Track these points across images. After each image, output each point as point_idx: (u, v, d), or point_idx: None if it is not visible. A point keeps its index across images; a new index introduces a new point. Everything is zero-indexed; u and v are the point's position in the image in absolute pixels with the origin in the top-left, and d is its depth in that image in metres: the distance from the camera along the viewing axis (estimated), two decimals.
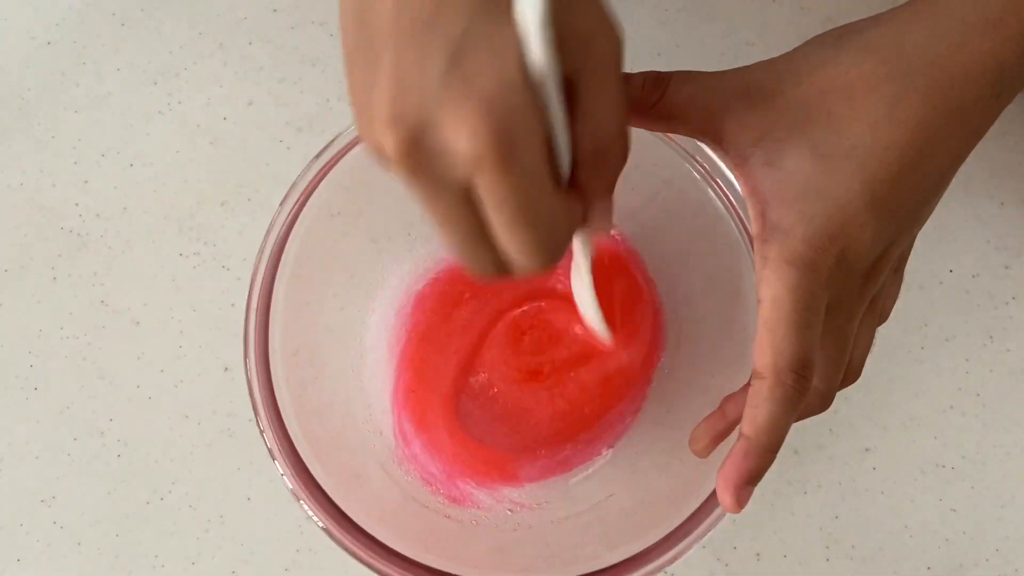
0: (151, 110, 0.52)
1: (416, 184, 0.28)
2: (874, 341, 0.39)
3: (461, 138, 0.26)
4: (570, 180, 0.30)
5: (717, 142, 0.35)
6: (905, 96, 0.33)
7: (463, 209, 0.28)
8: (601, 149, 0.29)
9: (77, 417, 0.49)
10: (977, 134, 0.35)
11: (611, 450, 0.47)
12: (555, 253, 0.29)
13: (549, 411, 0.47)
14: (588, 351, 0.48)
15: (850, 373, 0.38)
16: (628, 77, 0.35)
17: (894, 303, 0.40)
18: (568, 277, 0.47)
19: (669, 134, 0.43)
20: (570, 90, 0.28)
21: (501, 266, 0.30)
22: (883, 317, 0.40)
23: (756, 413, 0.33)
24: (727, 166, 0.37)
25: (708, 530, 0.40)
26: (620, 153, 0.30)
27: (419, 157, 0.27)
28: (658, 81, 0.35)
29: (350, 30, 0.29)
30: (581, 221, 0.31)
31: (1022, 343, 0.50)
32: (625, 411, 0.47)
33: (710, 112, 0.34)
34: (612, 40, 0.28)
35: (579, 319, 0.48)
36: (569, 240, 0.30)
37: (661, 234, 0.48)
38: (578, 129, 0.29)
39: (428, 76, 0.26)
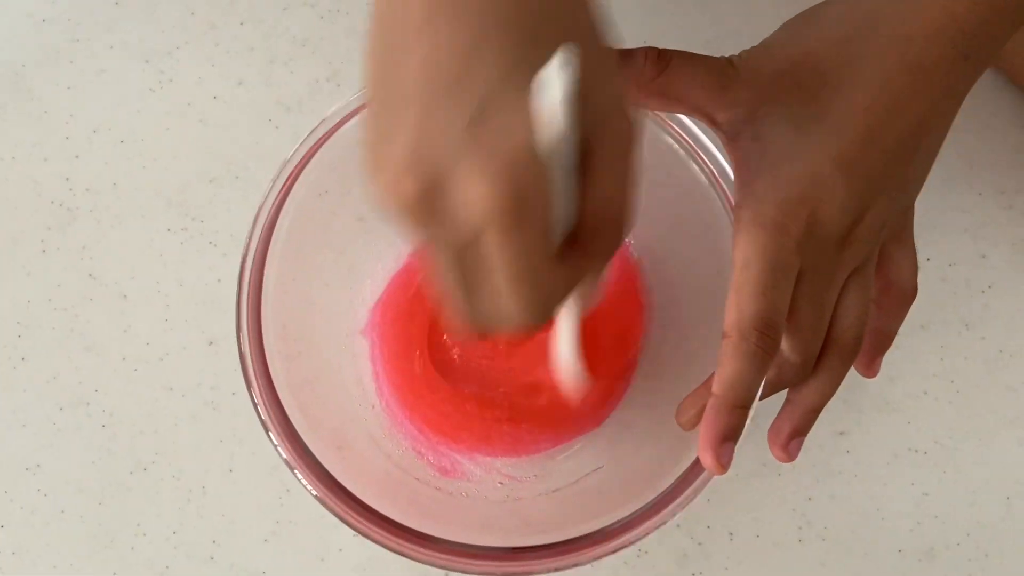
0: (143, 88, 0.53)
1: (425, 233, 0.28)
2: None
3: (476, 194, 0.27)
4: (568, 244, 0.30)
5: (712, 121, 0.37)
6: (862, 56, 0.34)
7: (466, 262, 0.29)
8: (604, 219, 0.30)
9: (63, 387, 0.49)
10: (949, 96, 0.35)
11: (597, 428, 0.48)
12: (547, 315, 0.30)
13: (527, 386, 0.47)
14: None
15: (844, 346, 0.38)
16: (628, 52, 0.36)
17: (914, 274, 0.41)
18: None
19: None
20: (583, 159, 0.29)
21: (490, 321, 0.31)
22: (907, 292, 0.41)
23: (723, 371, 0.35)
24: (721, 144, 0.38)
25: (688, 501, 0.40)
26: (621, 227, 0.30)
27: (432, 207, 0.27)
28: (659, 58, 0.36)
29: (375, 81, 0.29)
30: (575, 285, 0.31)
31: (997, 331, 0.51)
32: (608, 395, 0.48)
33: (706, 93, 0.36)
34: (629, 122, 0.29)
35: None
36: (562, 303, 0.31)
37: (644, 215, 0.49)
38: (587, 195, 0.29)
39: (451, 131, 0.27)
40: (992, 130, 0.53)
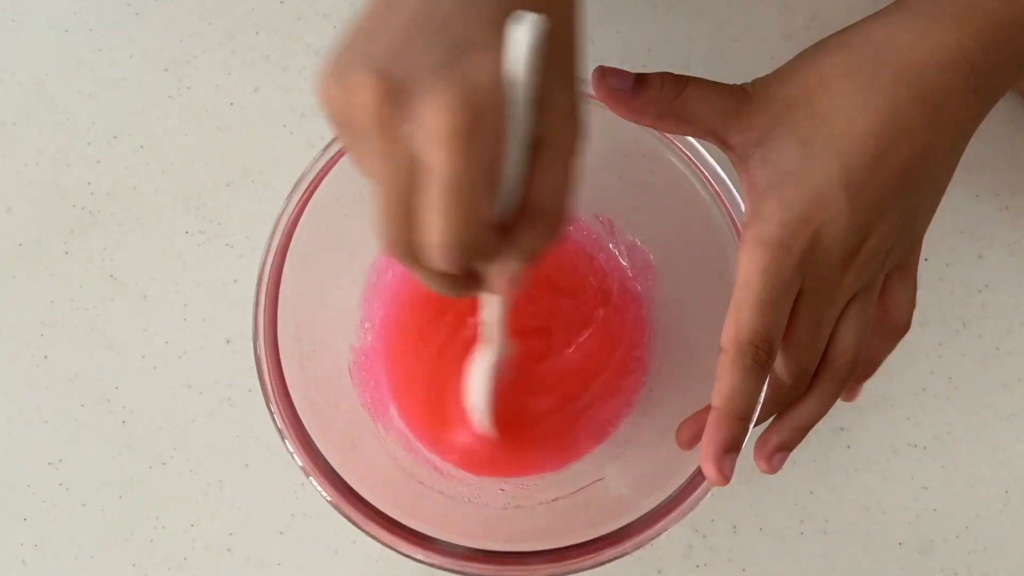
0: (162, 95, 0.55)
1: (376, 138, 0.29)
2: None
3: (434, 110, 0.28)
4: (506, 225, 0.31)
5: (725, 144, 0.38)
6: (875, 83, 0.35)
7: (405, 178, 0.29)
8: (543, 210, 0.31)
9: (85, 385, 0.51)
10: (957, 127, 0.36)
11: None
12: (465, 257, 0.30)
13: (537, 409, 0.49)
14: (580, 351, 0.49)
15: (838, 369, 0.39)
16: (644, 76, 0.37)
17: (910, 310, 0.42)
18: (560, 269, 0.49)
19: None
20: (534, 151, 0.30)
21: (412, 250, 0.31)
22: (900, 326, 0.41)
23: (722, 385, 0.36)
24: (732, 166, 0.39)
25: (691, 508, 0.41)
26: (557, 220, 0.31)
27: (390, 113, 0.29)
28: (676, 82, 0.37)
29: (370, 12, 0.30)
30: (497, 255, 0.31)
31: (993, 329, 0.52)
32: (614, 414, 0.49)
33: (720, 116, 0.37)
34: (577, 128, 0.31)
35: (568, 315, 0.50)
36: (480, 258, 0.31)
37: (648, 230, 0.50)
38: (532, 183, 0.31)
39: (427, 56, 0.29)
40: (988, 134, 0.54)
